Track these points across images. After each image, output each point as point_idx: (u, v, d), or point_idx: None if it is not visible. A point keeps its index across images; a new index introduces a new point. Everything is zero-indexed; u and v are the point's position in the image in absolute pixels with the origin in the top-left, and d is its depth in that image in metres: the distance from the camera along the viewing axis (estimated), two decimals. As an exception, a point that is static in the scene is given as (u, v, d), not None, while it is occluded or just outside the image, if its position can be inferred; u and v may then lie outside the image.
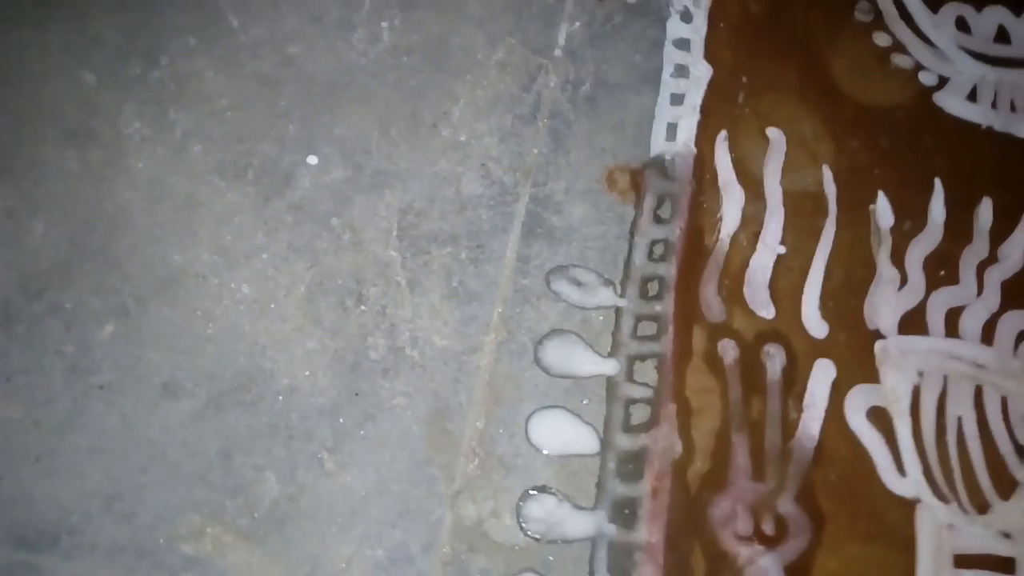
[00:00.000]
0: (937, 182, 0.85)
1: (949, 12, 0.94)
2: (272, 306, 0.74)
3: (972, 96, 0.90)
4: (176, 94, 0.81)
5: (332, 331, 0.74)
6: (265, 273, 0.76)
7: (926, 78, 0.90)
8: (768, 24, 0.91)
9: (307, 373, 0.73)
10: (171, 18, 0.84)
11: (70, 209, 0.76)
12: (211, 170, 0.78)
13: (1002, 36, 0.93)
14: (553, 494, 0.71)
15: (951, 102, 0.89)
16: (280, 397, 0.72)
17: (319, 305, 0.75)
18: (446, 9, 0.87)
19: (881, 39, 0.91)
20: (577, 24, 0.88)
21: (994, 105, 0.89)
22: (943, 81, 0.90)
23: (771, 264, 0.81)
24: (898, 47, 0.91)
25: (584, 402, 0.75)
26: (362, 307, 0.75)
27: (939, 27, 0.93)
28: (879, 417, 0.76)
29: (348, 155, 0.80)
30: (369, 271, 0.77)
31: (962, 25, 0.93)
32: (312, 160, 0.80)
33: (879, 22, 0.92)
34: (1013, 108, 0.89)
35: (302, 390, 0.72)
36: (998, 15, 0.94)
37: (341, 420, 0.71)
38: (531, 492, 0.71)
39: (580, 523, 0.70)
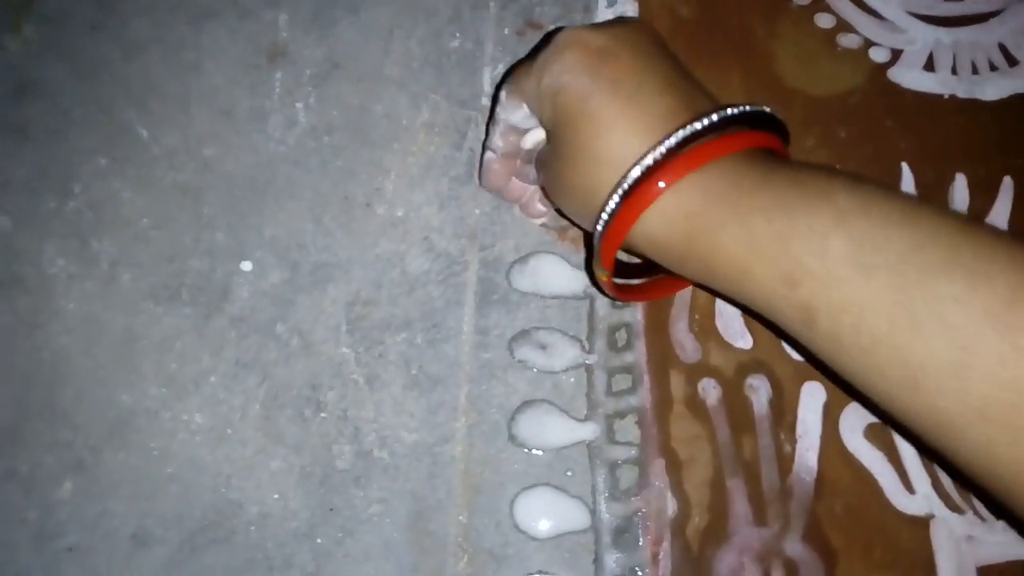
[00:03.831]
0: (904, 167, 0.81)
1: (892, -25, 0.88)
2: (229, 431, 0.72)
3: (929, 65, 0.85)
4: (96, 223, 0.78)
5: (295, 447, 0.72)
6: (217, 397, 0.73)
7: (877, 54, 0.85)
8: (702, 28, 0.86)
9: (276, 496, 0.71)
10: (78, 141, 0.81)
11: (8, 366, 0.74)
12: (144, 297, 0.76)
13: (952, -8, 0.88)
14: (550, 579, 0.69)
15: (907, 76, 0.84)
16: (252, 527, 0.70)
17: (277, 421, 0.73)
18: (362, 76, 0.83)
19: (824, 20, 0.87)
20: (500, 67, 0.84)
21: (954, 71, 0.85)
22: (896, 55, 0.86)
23: (741, 289, 0.77)
24: (843, 26, 0.87)
25: (568, 474, 0.72)
26: (322, 415, 0.73)
27: (883, -5, 0.87)
28: (878, 434, 0.73)
29: (283, 254, 0.78)
30: (324, 374, 0.74)
31: (908, -12, 0.88)
32: (247, 267, 0.77)
33: (819, 3, 0.88)
34: (975, 70, 0.85)
35: (274, 516, 0.70)
36: (945, -31, 0.89)
37: (319, 541, 0.69)
38: (527, 580, 0.69)
39: (581, 607, 0.68)
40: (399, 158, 0.82)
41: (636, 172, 0.57)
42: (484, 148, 0.75)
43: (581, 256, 0.79)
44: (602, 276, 0.65)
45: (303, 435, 0.73)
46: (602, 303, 0.77)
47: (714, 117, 0.57)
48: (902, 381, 0.50)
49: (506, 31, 0.85)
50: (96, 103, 0.83)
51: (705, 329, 0.76)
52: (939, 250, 0.49)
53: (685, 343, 0.76)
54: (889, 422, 0.72)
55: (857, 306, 0.51)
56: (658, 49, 0.63)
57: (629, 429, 0.73)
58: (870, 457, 0.73)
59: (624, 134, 0.58)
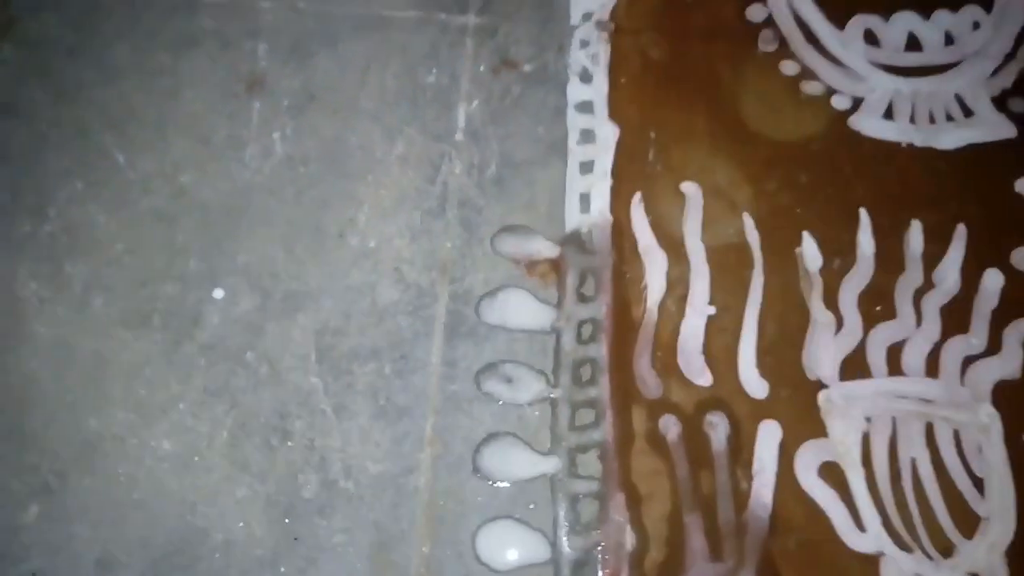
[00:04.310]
0: (862, 212, 0.84)
1: (856, 26, 0.92)
2: (196, 458, 0.73)
3: (888, 114, 0.88)
4: (70, 246, 0.79)
5: (261, 475, 0.73)
6: (184, 424, 0.74)
7: (839, 102, 0.88)
8: (671, 70, 0.89)
9: (241, 524, 0.72)
10: (54, 163, 0.82)
11: (-24, 389, 0.74)
12: (115, 323, 0.77)
13: (913, 44, 0.91)
14: (509, 610, 0.70)
15: (867, 123, 0.87)
16: (217, 554, 0.71)
17: (244, 449, 0.74)
18: (338, 108, 0.85)
19: (788, 68, 0.89)
20: (475, 103, 0.86)
21: (912, 119, 0.88)
22: (857, 103, 0.88)
23: (702, 328, 0.80)
24: (807, 73, 0.89)
25: (530, 506, 0.74)
26: (289, 443, 0.74)
27: (847, 44, 0.91)
28: (831, 472, 0.76)
29: (255, 282, 0.79)
30: (291, 403, 0.75)
31: (871, 38, 0.92)
32: (218, 294, 0.78)
33: (784, 50, 0.90)
34: (932, 119, 0.88)
35: (239, 543, 0.71)
36: (907, 21, 0.92)
37: (283, 569, 0.71)
38: (487, 611, 0.70)
39: (539, 639, 0.69)
40: (372, 190, 0.83)
41: None
42: None
43: (549, 292, 0.81)
44: None
45: (269, 463, 0.74)
46: (568, 338, 0.79)
47: None
48: None
49: (481, 68, 0.87)
50: (73, 126, 0.84)
51: (667, 366, 0.78)
52: None
53: (648, 379, 0.78)
54: None
55: None
56: None
57: (591, 463, 0.75)
58: (823, 495, 0.75)
59: None
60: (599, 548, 0.72)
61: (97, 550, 0.71)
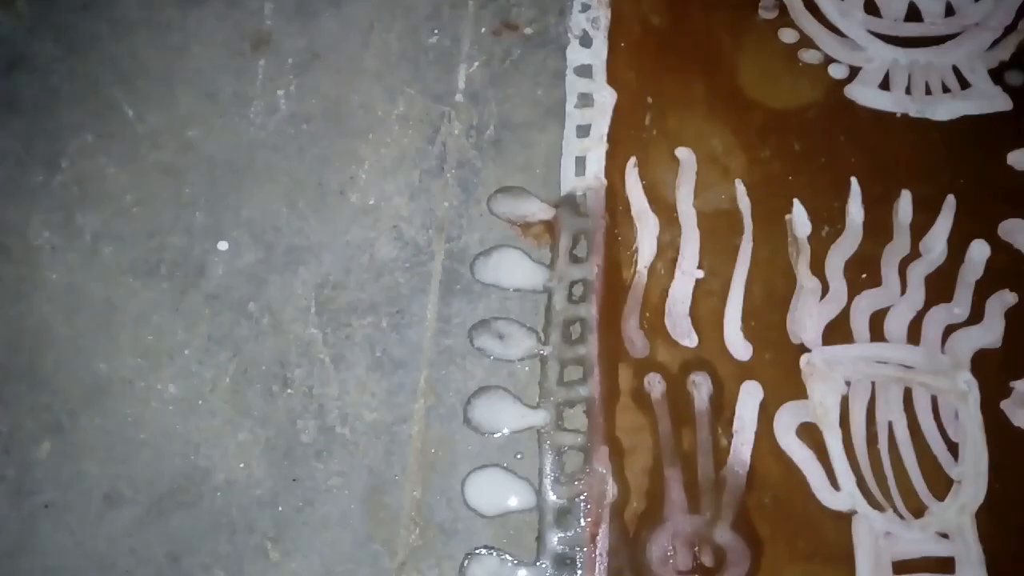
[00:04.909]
0: (853, 181, 0.85)
1: (857, -5, 0.92)
2: (200, 402, 0.77)
3: (885, 84, 0.89)
4: (81, 197, 0.82)
5: (262, 420, 0.76)
6: (189, 370, 0.77)
7: (836, 71, 0.89)
8: (670, 36, 0.90)
9: (242, 465, 0.75)
10: (66, 116, 0.84)
11: (-8, 331, 0.78)
12: (124, 271, 0.80)
13: (913, 14, 0.92)
14: (495, 554, 0.73)
15: (863, 93, 0.88)
16: (218, 493, 0.74)
17: (246, 395, 0.77)
18: (341, 68, 0.87)
19: (787, 35, 0.90)
20: (476, 64, 0.87)
21: (908, 90, 0.89)
22: (854, 72, 0.90)
23: (690, 291, 0.82)
24: (806, 42, 0.90)
25: (518, 456, 0.77)
26: (288, 391, 0.77)
27: (847, 14, 0.92)
28: (809, 433, 0.78)
29: (258, 236, 0.81)
30: (292, 353, 0.78)
31: (871, 8, 0.92)
32: (223, 246, 0.81)
33: (784, 18, 0.91)
34: (928, 91, 0.89)
35: (239, 483, 0.75)
36: (909, -9, 0.92)
37: (280, 508, 0.74)
38: (473, 554, 0.73)
39: (521, 580, 0.73)
40: (373, 148, 0.85)
41: None
42: None
43: (543, 252, 0.83)
44: None
45: (270, 409, 0.77)
46: (560, 298, 0.81)
47: None
48: None
49: (483, 30, 0.89)
50: (84, 79, 0.86)
51: (655, 327, 0.81)
52: None
53: (635, 339, 0.80)
54: None
55: None
56: None
57: (578, 418, 0.78)
58: (801, 454, 0.77)
59: None
60: (582, 497, 0.76)
61: (105, 486, 0.75)
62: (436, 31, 0.89)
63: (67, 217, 0.82)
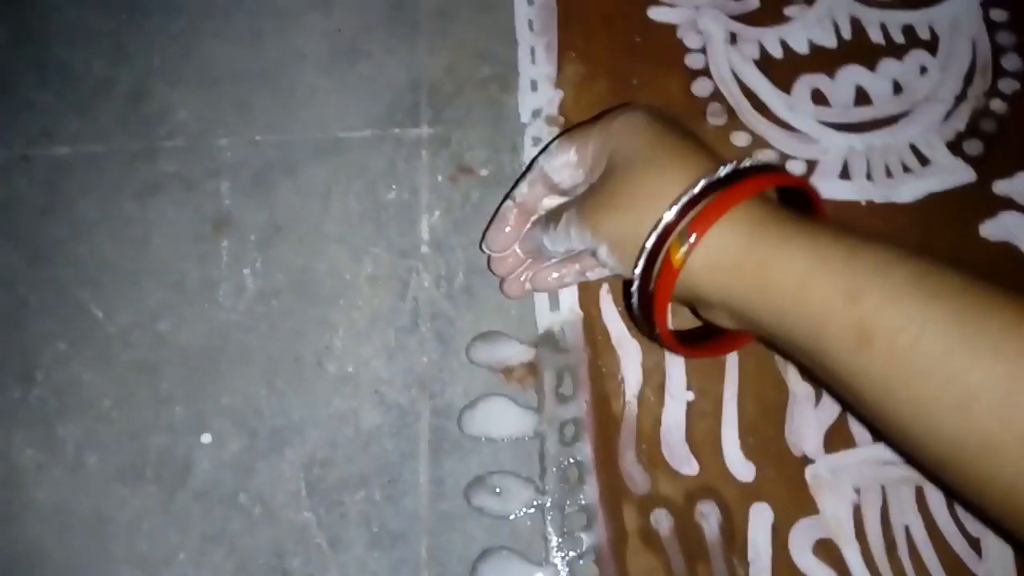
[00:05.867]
0: (829, 277, 0.84)
1: (803, 86, 0.93)
2: (201, 609, 0.74)
3: (845, 173, 0.89)
4: (60, 408, 0.81)
5: (265, 618, 0.74)
6: (186, 575, 0.75)
7: (794, 167, 0.89)
8: (625, 155, 0.89)
9: (251, 671, 0.72)
10: (36, 326, 0.84)
11: (-17, 562, 0.76)
12: (111, 479, 0.79)
13: (862, 98, 0.91)
14: None
15: (824, 185, 0.88)
16: None
17: (247, 594, 0.75)
18: (304, 237, 0.87)
19: (740, 139, 0.90)
20: (437, 214, 0.87)
21: (869, 176, 0.88)
22: (812, 166, 0.89)
23: (683, 415, 0.80)
24: (759, 142, 0.90)
25: (531, 619, 0.74)
26: (289, 582, 0.75)
27: (795, 107, 0.91)
28: (827, 550, 0.76)
29: (241, 423, 0.80)
30: (287, 541, 0.77)
31: (819, 98, 0.92)
32: (206, 439, 0.80)
33: (734, 121, 0.91)
34: (889, 173, 0.88)
35: None
36: (853, 75, 0.93)
37: None
38: None
39: None
40: (345, 314, 0.85)
41: (719, 174, 0.64)
42: (505, 199, 0.81)
43: (529, 396, 0.82)
44: (676, 256, 0.62)
45: (272, 605, 0.75)
46: (552, 441, 0.80)
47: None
48: (953, 405, 0.52)
49: (439, 178, 0.89)
50: (50, 286, 0.86)
51: (653, 459, 0.79)
52: (991, 288, 0.54)
53: (635, 474, 0.79)
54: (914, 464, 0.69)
55: (917, 327, 0.53)
56: None
57: (588, 569, 0.76)
58: (821, 574, 0.75)
59: (695, 170, 0.66)
60: (603, 654, 0.73)
61: None
62: (393, 186, 0.89)
63: (48, 430, 0.81)
